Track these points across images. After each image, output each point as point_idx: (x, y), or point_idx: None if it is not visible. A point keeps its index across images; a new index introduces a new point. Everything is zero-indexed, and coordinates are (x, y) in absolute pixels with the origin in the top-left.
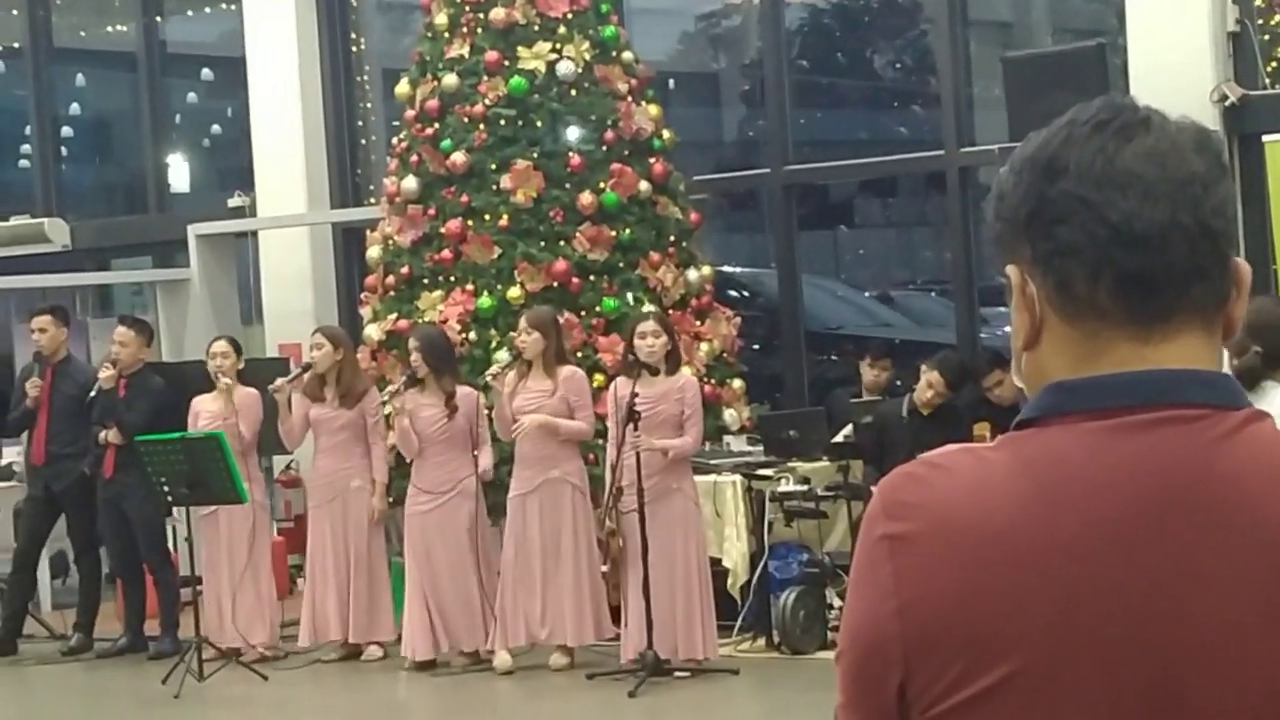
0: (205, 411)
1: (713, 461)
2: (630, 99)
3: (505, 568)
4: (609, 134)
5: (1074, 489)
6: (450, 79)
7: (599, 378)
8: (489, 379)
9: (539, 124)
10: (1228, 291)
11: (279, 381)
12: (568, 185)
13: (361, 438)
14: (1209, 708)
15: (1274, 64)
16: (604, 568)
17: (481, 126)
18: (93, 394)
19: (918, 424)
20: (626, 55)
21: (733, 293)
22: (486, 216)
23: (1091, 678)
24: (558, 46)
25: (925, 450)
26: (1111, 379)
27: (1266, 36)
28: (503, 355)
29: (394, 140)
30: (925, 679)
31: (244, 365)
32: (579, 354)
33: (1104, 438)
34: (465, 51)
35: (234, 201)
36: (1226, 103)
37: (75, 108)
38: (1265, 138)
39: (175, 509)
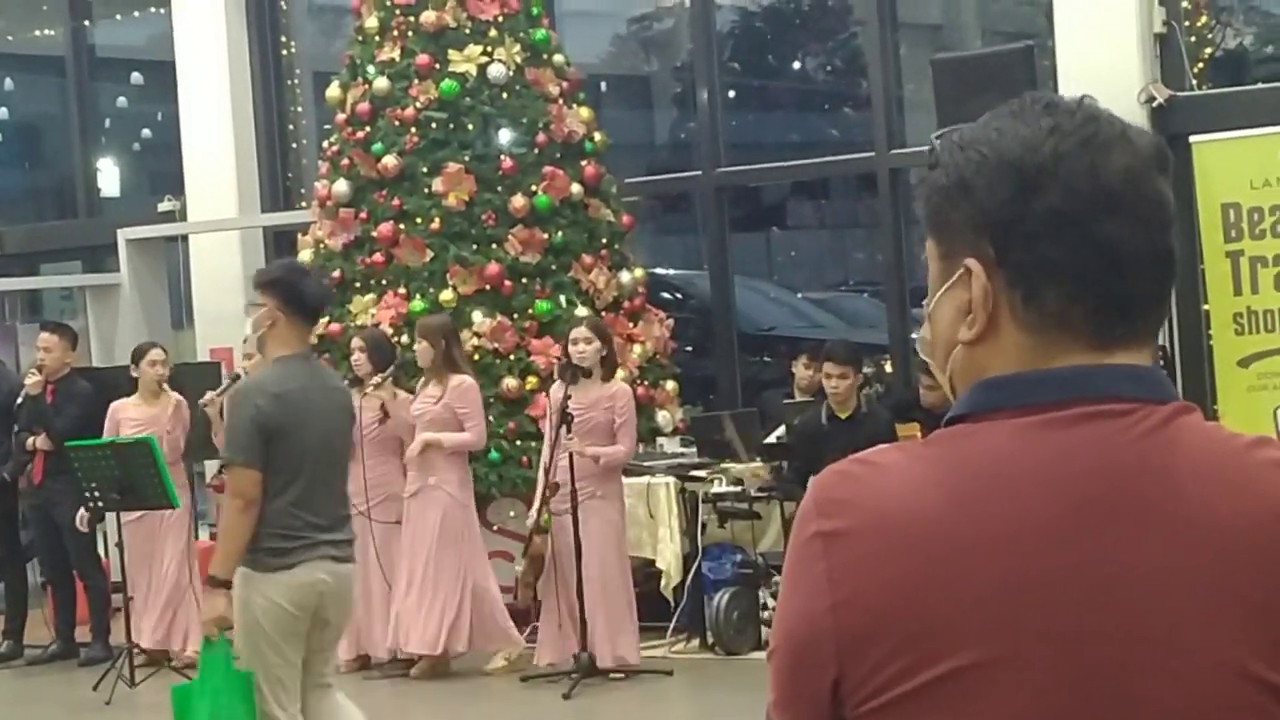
0: (129, 419)
1: (646, 463)
2: (562, 102)
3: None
4: (540, 137)
5: (1005, 484)
6: (381, 82)
7: (531, 380)
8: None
9: (470, 127)
10: (1169, 308)
11: (209, 395)
12: (499, 188)
13: None
14: (1150, 697)
15: (1200, 65)
16: (518, 567)
17: (413, 130)
18: (19, 400)
19: (837, 428)
20: (558, 58)
21: (665, 295)
22: (418, 220)
23: (1033, 671)
24: (489, 49)
25: (849, 454)
26: (1040, 375)
27: (1193, 38)
28: None
29: (325, 144)
30: (861, 675)
31: (172, 371)
32: (511, 356)
33: (1034, 433)
34: (396, 55)
35: (164, 205)
36: (1154, 104)
37: (3, 112)
38: (1192, 139)
39: (105, 515)
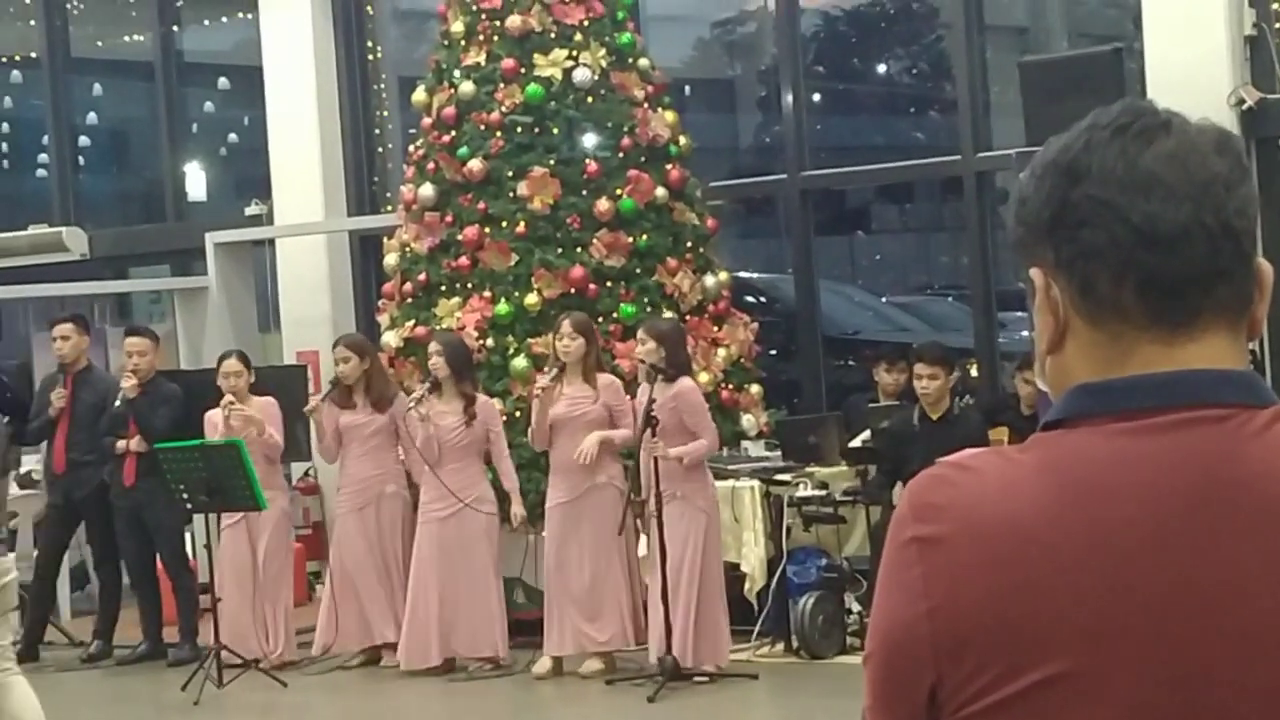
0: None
1: (731, 467)
2: (647, 105)
3: (549, 576)
4: (625, 140)
5: (1103, 490)
6: (467, 86)
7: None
8: (539, 392)
9: (555, 131)
10: (1251, 292)
11: (313, 402)
12: (584, 192)
13: (393, 443)
14: (1249, 707)
15: None
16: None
17: (498, 134)
18: (117, 404)
19: (929, 430)
20: (643, 62)
21: (750, 298)
22: (503, 223)
23: (1129, 677)
24: (574, 53)
25: (940, 457)
26: (1137, 380)
27: None
28: (520, 363)
29: (411, 148)
30: (958, 680)
31: (254, 378)
32: None
33: (1131, 439)
34: (482, 59)
35: (251, 209)
36: (1244, 106)
37: (92, 117)
38: None
39: (194, 517)
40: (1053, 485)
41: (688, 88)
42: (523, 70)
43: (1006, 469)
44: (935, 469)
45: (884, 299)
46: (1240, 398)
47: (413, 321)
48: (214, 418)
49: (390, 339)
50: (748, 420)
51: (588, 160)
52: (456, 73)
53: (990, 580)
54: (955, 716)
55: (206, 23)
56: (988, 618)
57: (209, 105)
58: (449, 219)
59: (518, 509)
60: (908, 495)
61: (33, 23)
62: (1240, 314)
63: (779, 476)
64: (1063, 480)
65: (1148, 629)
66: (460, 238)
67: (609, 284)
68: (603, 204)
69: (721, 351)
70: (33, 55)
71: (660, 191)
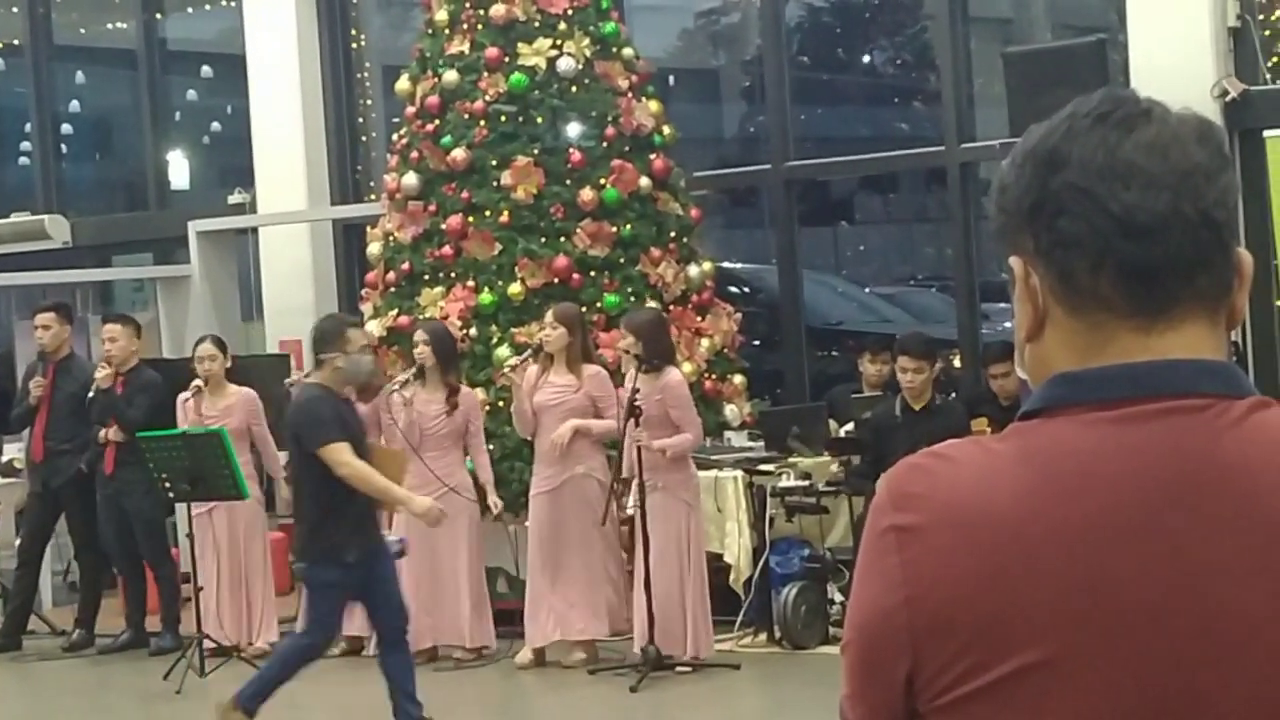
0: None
1: (714, 457)
2: (631, 95)
3: (531, 566)
4: (609, 130)
5: (1080, 479)
6: (451, 75)
7: None
8: (508, 370)
9: (539, 120)
10: (1231, 281)
11: (294, 376)
12: (568, 181)
13: (372, 434)
14: (1221, 697)
15: (1275, 59)
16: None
17: (482, 123)
18: (91, 394)
19: (912, 420)
20: (627, 51)
21: (733, 289)
22: (487, 213)
23: (1105, 668)
24: (558, 43)
25: (923, 447)
26: (1116, 370)
27: (1267, 32)
28: (503, 352)
29: (394, 136)
30: (934, 668)
31: (230, 363)
32: None
33: (1110, 428)
34: (466, 48)
35: (234, 198)
36: (1227, 98)
37: (75, 105)
38: (1266, 133)
39: (176, 506)
40: (1030, 475)
41: (672, 78)
42: (507, 59)
43: (984, 458)
44: (913, 458)
45: (868, 290)
46: (1218, 388)
47: (396, 311)
48: (187, 402)
49: (373, 328)
50: (731, 410)
51: (571, 150)
52: (440, 61)
53: (967, 569)
54: (932, 704)
55: (190, 10)
56: (965, 606)
57: (192, 93)
58: (432, 208)
59: (494, 499)
60: (886, 484)
61: (15, 10)
62: (1220, 303)
63: (762, 467)
64: (1040, 470)
65: (1125, 618)
66: (444, 227)
67: (592, 274)
68: (586, 193)
69: (705, 342)
70: (15, 42)
71: (644, 181)
